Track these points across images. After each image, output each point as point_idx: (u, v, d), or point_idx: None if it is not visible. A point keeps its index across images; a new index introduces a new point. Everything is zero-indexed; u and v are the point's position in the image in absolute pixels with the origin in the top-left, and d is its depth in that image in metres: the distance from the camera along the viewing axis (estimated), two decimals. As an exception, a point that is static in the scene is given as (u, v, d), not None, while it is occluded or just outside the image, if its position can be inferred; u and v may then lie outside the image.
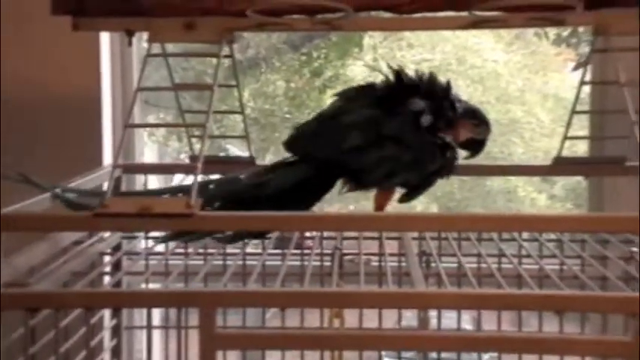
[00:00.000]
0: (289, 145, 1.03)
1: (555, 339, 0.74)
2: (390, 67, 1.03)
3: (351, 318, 1.05)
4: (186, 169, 1.11)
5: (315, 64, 4.29)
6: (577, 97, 1.00)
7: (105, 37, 1.32)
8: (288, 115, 4.67)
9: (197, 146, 1.12)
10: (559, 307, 0.71)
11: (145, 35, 1.01)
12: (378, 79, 1.05)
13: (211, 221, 0.78)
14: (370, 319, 1.14)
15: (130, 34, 0.92)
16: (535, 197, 6.21)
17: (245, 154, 1.14)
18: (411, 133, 0.99)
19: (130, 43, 0.93)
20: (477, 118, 1.06)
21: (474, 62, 6.44)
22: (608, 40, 0.86)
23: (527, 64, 5.85)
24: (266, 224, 0.82)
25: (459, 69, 6.59)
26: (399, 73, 1.02)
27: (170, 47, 1.02)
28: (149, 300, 0.76)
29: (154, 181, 1.54)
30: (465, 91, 6.88)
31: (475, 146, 1.07)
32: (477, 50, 6.40)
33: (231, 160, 1.15)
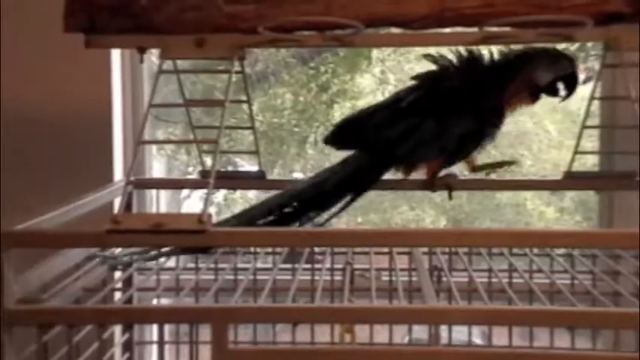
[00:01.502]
0: (331, 139, 1.07)
1: (566, 354, 0.75)
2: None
3: (361, 332, 1.05)
4: (197, 185, 1.12)
5: (323, 78, 4.29)
6: (587, 113, 1.00)
7: (116, 53, 1.32)
8: (296, 129, 4.68)
9: (207, 160, 1.12)
10: (569, 322, 0.71)
11: (155, 50, 1.02)
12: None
13: (223, 237, 0.78)
14: (379, 332, 1.14)
15: (141, 51, 0.93)
16: (544, 210, 6.19)
17: (254, 168, 1.15)
18: (427, 100, 1.02)
19: (141, 60, 0.94)
20: (550, 56, 1.01)
21: (482, 74, 6.43)
22: (618, 55, 0.86)
23: (534, 76, 5.86)
24: (278, 240, 0.83)
25: (466, 81, 6.57)
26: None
27: (181, 63, 1.02)
28: (161, 316, 0.77)
29: (163, 196, 1.54)
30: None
31: (564, 84, 1.01)
32: (484, 62, 6.40)
33: (240, 175, 1.15)
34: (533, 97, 1.03)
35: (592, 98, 0.98)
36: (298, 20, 0.89)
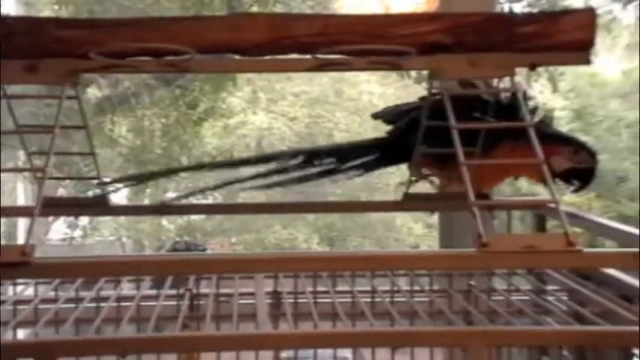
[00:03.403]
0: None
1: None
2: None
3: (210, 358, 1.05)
4: (26, 212, 1.08)
5: (190, 97, 4.27)
6: (422, 137, 1.04)
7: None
8: (159, 151, 4.63)
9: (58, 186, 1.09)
10: (394, 343, 0.73)
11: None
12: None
13: (49, 269, 0.76)
14: (229, 357, 1.13)
15: (-35, 76, 0.89)
16: (412, 226, 6.41)
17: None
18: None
19: (-36, 86, 0.90)
20: (572, 145, 0.98)
21: (351, 94, 6.61)
22: (443, 83, 0.90)
23: (400, 96, 6.07)
24: (111, 270, 0.82)
25: (336, 101, 6.74)
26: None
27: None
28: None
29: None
30: (343, 123, 7.09)
31: (579, 176, 1.00)
32: (353, 82, 6.58)
33: (80, 201, 1.12)
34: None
35: (425, 124, 1.01)
36: (132, 46, 0.89)
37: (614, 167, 8.12)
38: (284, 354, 1.35)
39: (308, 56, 0.91)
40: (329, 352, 1.12)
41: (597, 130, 8.29)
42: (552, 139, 0.98)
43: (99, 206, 1.08)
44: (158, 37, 0.89)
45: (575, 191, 1.03)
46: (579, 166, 1.00)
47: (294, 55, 0.93)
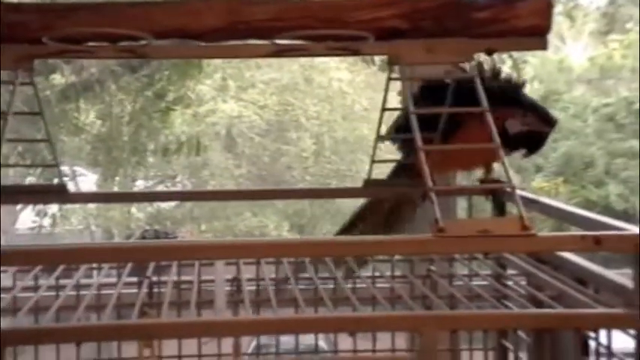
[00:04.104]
0: None
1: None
2: None
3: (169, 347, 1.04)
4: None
5: (157, 85, 4.23)
6: (380, 123, 1.04)
7: None
8: (126, 138, 4.59)
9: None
10: (349, 328, 0.73)
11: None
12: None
13: (18, 257, 0.75)
14: (189, 344, 1.13)
15: None
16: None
17: (94, 176, 1.11)
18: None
19: None
20: (523, 107, 0.95)
21: (321, 81, 6.59)
22: (402, 68, 0.90)
23: (370, 82, 6.08)
24: (61, 258, 0.81)
25: (306, 88, 6.73)
26: None
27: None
28: None
29: None
30: (312, 110, 7.05)
31: (528, 141, 0.97)
32: (323, 70, 6.57)
33: (39, 188, 1.11)
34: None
35: (383, 109, 1.01)
36: (87, 31, 0.88)
37: (580, 152, 8.21)
38: (252, 344, 1.35)
39: (266, 42, 0.91)
40: (293, 339, 1.13)
41: (564, 115, 8.37)
42: (512, 102, 0.96)
43: (59, 194, 1.07)
44: (114, 22, 0.88)
45: (525, 156, 1.01)
46: (527, 129, 0.98)
47: (253, 41, 0.92)
